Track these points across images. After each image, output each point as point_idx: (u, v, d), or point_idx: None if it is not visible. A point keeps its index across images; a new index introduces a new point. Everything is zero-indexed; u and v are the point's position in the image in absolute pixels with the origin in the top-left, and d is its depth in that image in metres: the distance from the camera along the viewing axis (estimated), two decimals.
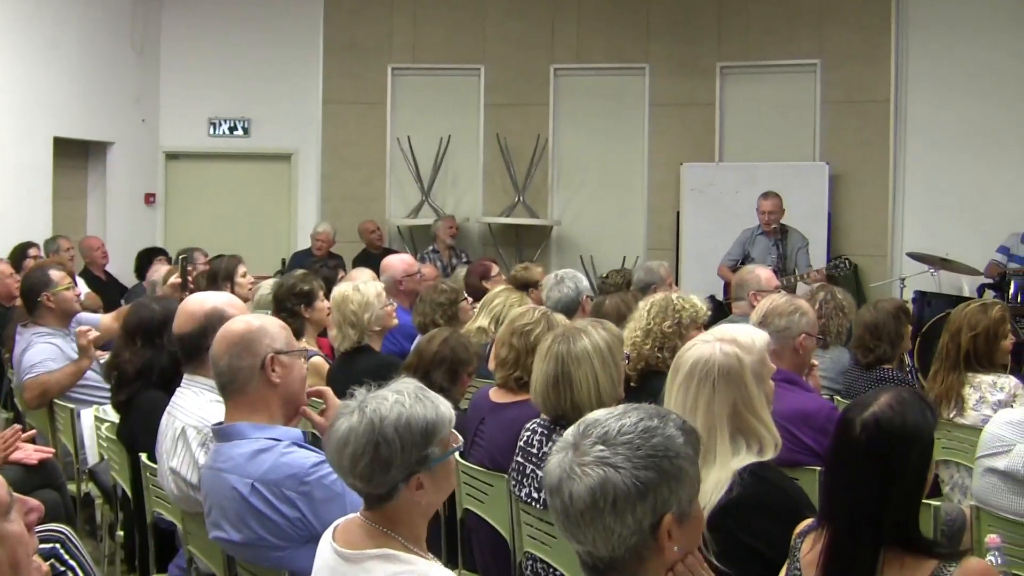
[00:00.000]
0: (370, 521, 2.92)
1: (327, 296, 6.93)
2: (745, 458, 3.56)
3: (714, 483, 3.48)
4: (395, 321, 6.65)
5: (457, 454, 3.10)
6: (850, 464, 2.98)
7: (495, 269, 8.92)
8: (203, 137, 14.50)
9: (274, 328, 3.81)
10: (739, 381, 3.62)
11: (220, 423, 3.77)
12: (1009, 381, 5.59)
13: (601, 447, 2.33)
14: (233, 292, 6.63)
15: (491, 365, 5.38)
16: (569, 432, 2.42)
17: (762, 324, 4.96)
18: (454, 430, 2.99)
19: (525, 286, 7.67)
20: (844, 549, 2.95)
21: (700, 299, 5.40)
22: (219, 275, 7.61)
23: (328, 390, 4.10)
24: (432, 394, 2.98)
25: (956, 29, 12.51)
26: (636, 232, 13.74)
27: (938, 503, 4.47)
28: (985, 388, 5.61)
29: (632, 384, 4.74)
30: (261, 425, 3.68)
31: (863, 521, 2.92)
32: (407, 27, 14.12)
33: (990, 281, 11.16)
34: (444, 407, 2.96)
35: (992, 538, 3.84)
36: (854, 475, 2.95)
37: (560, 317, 5.37)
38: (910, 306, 9.38)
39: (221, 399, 3.86)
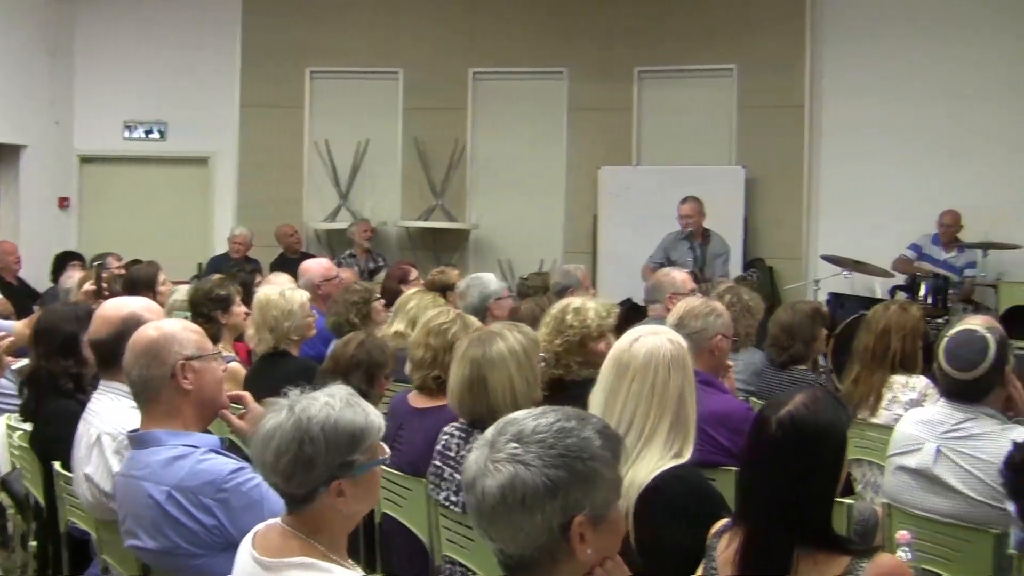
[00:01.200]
0: (290, 527, 2.91)
1: (244, 301, 6.89)
2: (666, 460, 3.62)
3: (645, 473, 3.57)
4: (313, 332, 6.63)
5: None
6: (766, 462, 3.02)
7: (414, 273, 8.91)
8: (118, 140, 14.35)
9: (184, 334, 3.77)
10: (685, 367, 3.81)
11: (136, 430, 3.73)
12: (920, 381, 5.67)
13: (515, 444, 2.35)
14: (155, 301, 6.57)
15: (409, 370, 5.38)
16: (488, 430, 2.44)
17: (678, 326, 4.99)
18: (382, 442, 3.00)
19: (442, 289, 7.68)
20: (760, 547, 2.98)
21: (605, 305, 5.42)
22: (139, 284, 7.51)
23: (247, 395, 4.08)
24: (364, 402, 2.98)
25: (869, 36, 12.69)
26: (554, 235, 13.76)
27: (851, 501, 4.53)
28: (897, 388, 5.69)
29: (545, 393, 4.76)
30: (177, 432, 3.65)
31: (778, 518, 2.96)
32: (325, 30, 14.03)
33: (901, 283, 11.32)
34: (374, 416, 2.95)
35: (903, 534, 3.89)
36: (770, 473, 2.99)
37: (472, 318, 5.40)
38: (825, 308, 9.53)
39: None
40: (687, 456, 3.70)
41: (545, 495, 2.30)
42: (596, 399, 3.85)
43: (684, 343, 3.91)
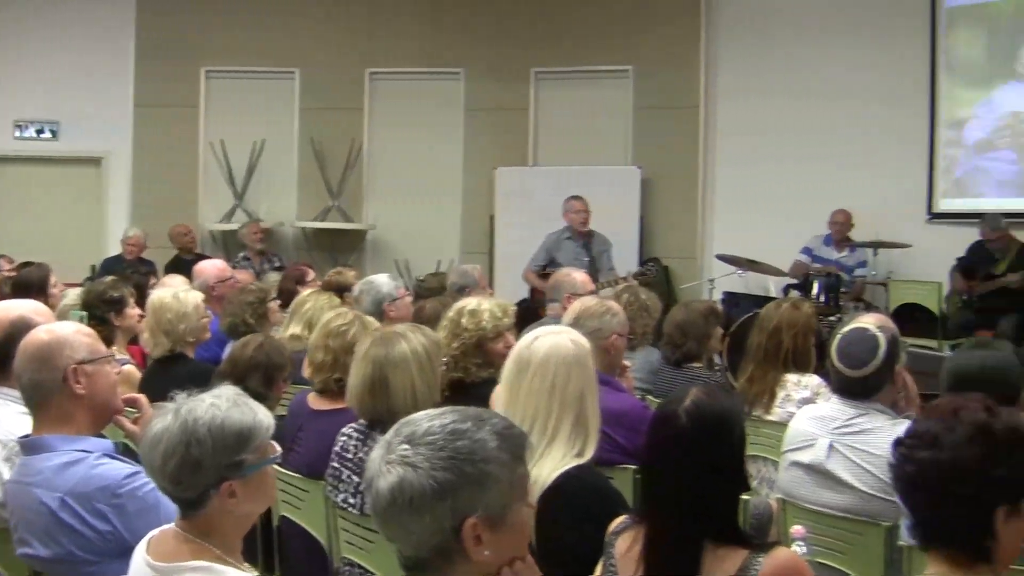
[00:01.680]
0: (184, 531, 2.88)
1: (138, 303, 6.80)
2: (568, 460, 3.64)
3: (547, 472, 3.61)
4: (208, 335, 6.57)
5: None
6: (676, 455, 3.04)
7: (311, 274, 8.86)
8: (8, 140, 14.13)
9: (75, 337, 3.70)
10: (587, 366, 3.85)
11: (27, 436, 3.67)
12: (812, 380, 5.76)
13: (406, 446, 2.36)
14: (47, 304, 6.46)
15: (306, 372, 5.34)
16: (390, 430, 2.45)
17: (575, 325, 5.02)
18: (273, 441, 2.98)
19: (339, 290, 7.63)
20: (670, 543, 3.00)
21: (500, 304, 5.46)
22: (30, 287, 7.38)
23: (142, 398, 4.03)
24: (252, 402, 2.96)
25: (762, 38, 12.89)
26: (451, 235, 13.78)
27: (747, 497, 4.58)
28: (790, 386, 5.78)
29: (446, 394, 4.77)
30: (70, 437, 3.58)
31: (688, 513, 2.98)
32: (221, 29, 13.91)
33: (795, 281, 11.50)
34: (262, 415, 2.94)
35: (797, 529, 3.96)
36: (681, 466, 3.01)
37: (371, 319, 5.39)
38: (719, 307, 9.64)
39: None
40: (589, 455, 3.73)
41: (432, 497, 2.31)
42: (499, 397, 3.88)
43: (587, 344, 3.95)
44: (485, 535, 2.34)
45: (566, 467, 3.64)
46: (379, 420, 4.19)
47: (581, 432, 3.74)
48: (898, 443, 2.68)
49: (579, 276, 7.74)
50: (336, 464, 4.36)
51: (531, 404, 3.74)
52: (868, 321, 4.65)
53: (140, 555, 2.92)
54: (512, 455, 2.42)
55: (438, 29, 13.75)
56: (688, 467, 3.00)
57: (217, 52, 13.95)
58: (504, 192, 13.37)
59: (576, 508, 3.57)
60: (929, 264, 11.53)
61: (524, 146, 13.65)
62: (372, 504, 2.39)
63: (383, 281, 7.28)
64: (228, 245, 13.73)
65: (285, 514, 4.84)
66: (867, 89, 12.29)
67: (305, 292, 7.28)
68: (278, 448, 3.01)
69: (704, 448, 3.00)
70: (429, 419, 2.42)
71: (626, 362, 5.47)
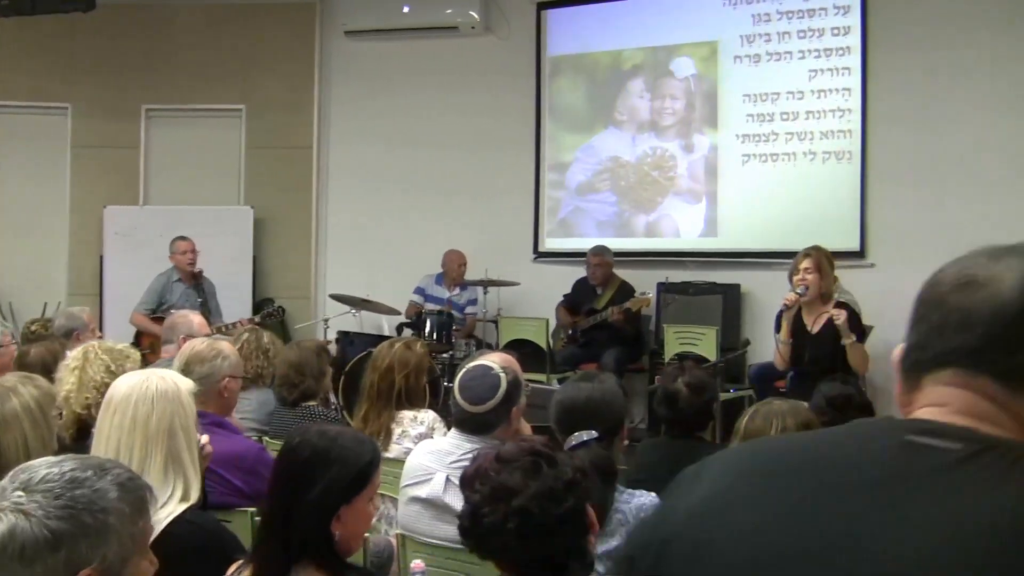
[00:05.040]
0: None
1: None
2: (176, 505, 3.58)
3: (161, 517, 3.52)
4: None
5: None
6: (286, 486, 3.09)
7: None
8: None
9: None
10: (177, 400, 3.75)
11: None
12: (428, 415, 5.89)
13: (20, 493, 2.28)
14: None
15: None
16: (6, 477, 2.36)
17: (185, 370, 4.98)
18: None
19: None
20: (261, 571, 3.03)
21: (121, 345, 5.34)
22: None
23: None
24: None
25: (375, 84, 13.16)
26: (58, 277, 13.30)
27: (367, 534, 4.62)
28: (407, 422, 5.87)
29: (68, 442, 4.61)
30: None
31: (292, 545, 3.01)
32: None
33: (408, 320, 11.70)
34: None
35: (417, 563, 4.04)
36: (288, 496, 3.05)
37: None
38: (333, 346, 9.74)
39: None
40: (195, 498, 3.67)
41: (45, 547, 2.22)
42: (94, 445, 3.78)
43: (180, 382, 3.87)
44: None
45: (176, 512, 3.58)
46: None
47: (179, 472, 3.66)
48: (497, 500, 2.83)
49: (196, 318, 7.68)
50: None
51: (113, 439, 3.63)
52: (493, 359, 4.78)
53: None
54: (133, 507, 2.37)
55: (43, 62, 13.25)
56: (283, 491, 3.04)
57: None
58: (113, 232, 13.02)
59: (188, 553, 3.51)
60: (536, 301, 11.97)
61: (134, 185, 13.34)
62: None
63: None
64: None
65: None
66: (478, 133, 12.73)
67: None
68: None
69: (300, 472, 3.05)
70: (47, 466, 2.34)
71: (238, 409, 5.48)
